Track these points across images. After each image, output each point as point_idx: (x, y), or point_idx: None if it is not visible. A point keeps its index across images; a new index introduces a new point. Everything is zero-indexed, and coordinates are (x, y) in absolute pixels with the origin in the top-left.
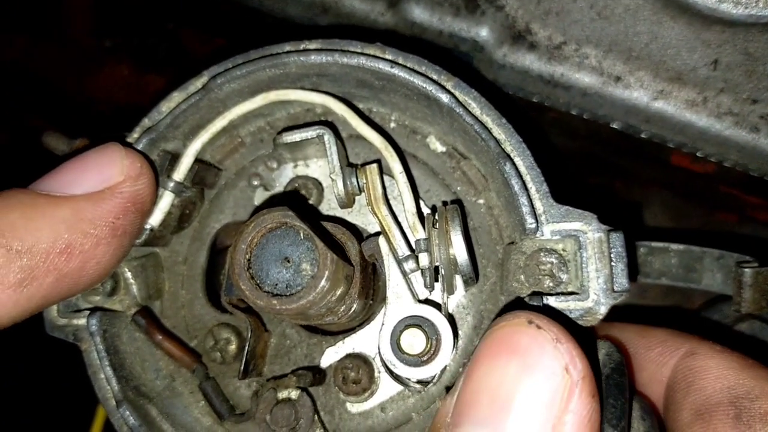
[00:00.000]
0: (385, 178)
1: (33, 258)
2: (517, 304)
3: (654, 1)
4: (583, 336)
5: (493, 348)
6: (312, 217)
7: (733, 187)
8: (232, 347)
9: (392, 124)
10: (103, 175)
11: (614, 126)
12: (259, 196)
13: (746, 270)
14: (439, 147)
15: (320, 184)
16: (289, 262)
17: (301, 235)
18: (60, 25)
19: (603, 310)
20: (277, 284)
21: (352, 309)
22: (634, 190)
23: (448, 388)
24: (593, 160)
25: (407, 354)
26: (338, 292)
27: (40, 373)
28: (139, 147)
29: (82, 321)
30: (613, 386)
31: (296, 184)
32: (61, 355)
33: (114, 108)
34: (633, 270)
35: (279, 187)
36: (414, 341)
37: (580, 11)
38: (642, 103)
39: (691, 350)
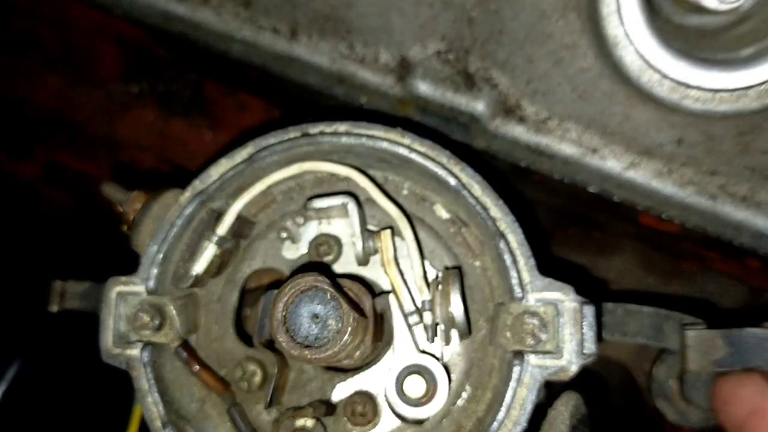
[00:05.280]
0: (397, 239)
1: None
2: None
3: (627, 89)
4: None
5: None
6: (333, 277)
7: (694, 244)
8: (257, 378)
9: (405, 191)
10: None
11: (591, 190)
12: (287, 248)
13: (688, 333)
14: (444, 214)
15: (339, 241)
16: (317, 318)
17: (328, 296)
18: (91, 70)
19: (574, 368)
20: (307, 337)
21: (366, 353)
22: (608, 240)
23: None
24: (573, 215)
25: (409, 397)
26: (356, 342)
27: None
28: (192, 206)
29: (132, 351)
30: None
31: (320, 242)
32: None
33: (140, 149)
34: (599, 336)
35: (304, 241)
36: (415, 386)
37: (564, 93)
38: (615, 172)
39: None
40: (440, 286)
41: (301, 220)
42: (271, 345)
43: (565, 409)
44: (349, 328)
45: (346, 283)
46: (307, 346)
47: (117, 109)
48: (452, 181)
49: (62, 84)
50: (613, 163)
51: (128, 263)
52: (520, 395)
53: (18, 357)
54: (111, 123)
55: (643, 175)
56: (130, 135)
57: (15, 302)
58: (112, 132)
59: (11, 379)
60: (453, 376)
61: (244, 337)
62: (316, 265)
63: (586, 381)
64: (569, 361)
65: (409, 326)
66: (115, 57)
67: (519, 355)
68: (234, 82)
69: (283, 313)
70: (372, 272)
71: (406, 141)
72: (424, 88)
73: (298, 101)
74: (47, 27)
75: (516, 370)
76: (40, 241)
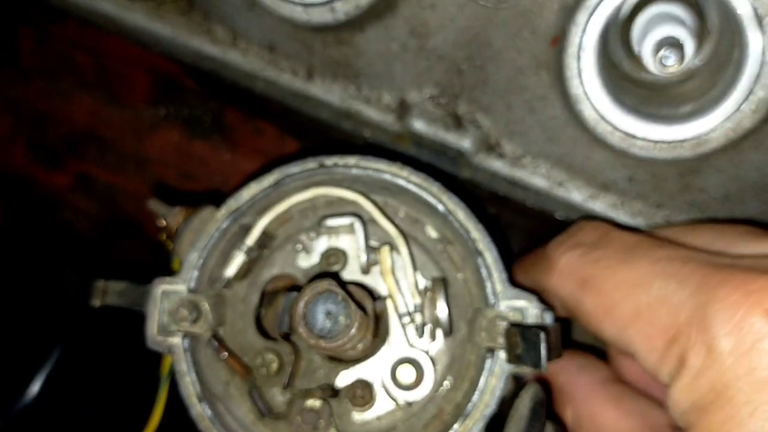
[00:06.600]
0: (394, 254)
1: None
2: None
3: (587, 135)
4: None
5: None
6: (343, 285)
7: None
8: (274, 365)
9: (401, 214)
10: None
11: (557, 216)
12: (302, 258)
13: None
14: (433, 234)
15: (346, 253)
16: (330, 315)
17: (340, 297)
18: (123, 94)
19: None
20: (322, 329)
21: (366, 346)
22: None
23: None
24: (543, 235)
25: (401, 382)
26: (360, 335)
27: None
28: (228, 221)
29: (174, 339)
30: (537, 416)
31: (329, 253)
32: None
33: (165, 165)
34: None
35: (316, 252)
36: (407, 373)
37: (536, 135)
38: (578, 202)
39: None
40: (428, 293)
41: (314, 234)
42: (287, 337)
43: (527, 396)
44: (356, 324)
45: (351, 288)
46: (321, 337)
47: (145, 129)
48: (441, 207)
49: (96, 104)
50: (576, 195)
51: (150, 267)
52: (491, 383)
53: (59, 344)
54: (139, 141)
55: (600, 205)
56: (157, 152)
57: (52, 295)
58: (140, 149)
59: (54, 362)
60: (437, 367)
61: (263, 332)
62: (329, 274)
63: None
64: None
65: (403, 325)
66: (145, 84)
67: (491, 351)
68: (254, 111)
69: (304, 310)
70: (372, 280)
71: (404, 173)
72: (419, 126)
73: (310, 131)
74: (85, 55)
75: (488, 362)
76: (69, 242)
